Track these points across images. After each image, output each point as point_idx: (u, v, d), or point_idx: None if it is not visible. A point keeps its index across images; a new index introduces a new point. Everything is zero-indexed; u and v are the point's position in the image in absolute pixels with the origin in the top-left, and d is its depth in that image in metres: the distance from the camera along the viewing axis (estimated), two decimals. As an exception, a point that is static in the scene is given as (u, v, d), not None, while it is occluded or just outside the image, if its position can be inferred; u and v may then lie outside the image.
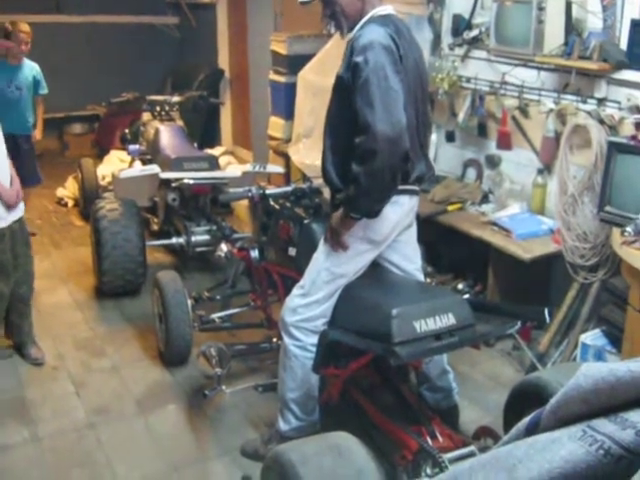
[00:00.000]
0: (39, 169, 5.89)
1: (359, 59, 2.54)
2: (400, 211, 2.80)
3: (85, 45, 8.51)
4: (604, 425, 1.01)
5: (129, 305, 4.59)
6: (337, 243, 2.74)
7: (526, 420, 1.22)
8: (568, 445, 1.01)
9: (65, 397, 3.59)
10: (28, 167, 5.74)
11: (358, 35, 2.63)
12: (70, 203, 6.59)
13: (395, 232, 2.86)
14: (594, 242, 3.55)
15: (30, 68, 5.58)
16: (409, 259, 3.05)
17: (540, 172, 4.15)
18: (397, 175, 2.59)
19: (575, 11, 3.80)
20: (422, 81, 2.83)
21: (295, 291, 2.91)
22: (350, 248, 2.76)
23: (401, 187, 2.73)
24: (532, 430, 1.18)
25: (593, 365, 1.08)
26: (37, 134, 5.78)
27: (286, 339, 2.89)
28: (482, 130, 4.59)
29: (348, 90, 2.61)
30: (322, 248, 2.84)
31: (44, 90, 5.72)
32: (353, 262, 2.80)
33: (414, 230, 3.06)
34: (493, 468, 1.10)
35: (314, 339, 2.84)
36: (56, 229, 6.06)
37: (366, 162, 2.50)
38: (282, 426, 2.96)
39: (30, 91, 5.58)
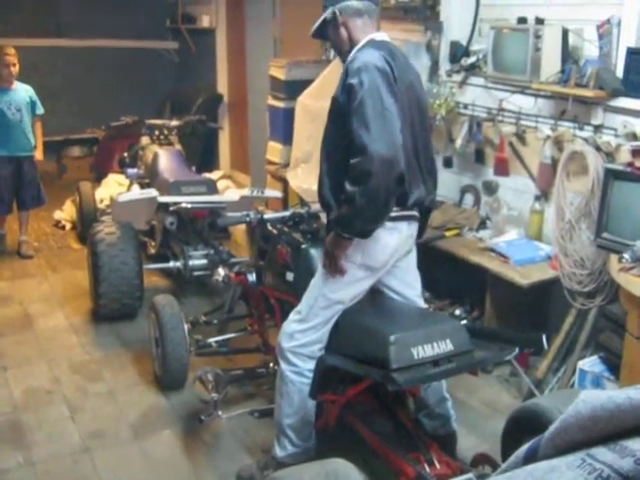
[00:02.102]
0: (42, 190, 5.96)
1: (354, 81, 2.57)
2: (398, 237, 2.80)
3: (85, 69, 8.56)
4: (603, 453, 1.00)
5: (125, 329, 4.57)
6: (334, 268, 2.74)
7: (524, 448, 1.22)
8: (567, 474, 1.00)
9: (60, 421, 3.56)
10: (33, 188, 5.86)
11: (353, 58, 2.68)
12: (68, 226, 6.59)
13: (393, 259, 2.86)
14: (591, 268, 3.56)
15: (25, 90, 5.72)
16: (409, 285, 3.05)
17: (537, 198, 4.16)
18: (391, 197, 2.61)
19: (571, 39, 3.83)
20: (420, 106, 2.85)
21: (292, 316, 2.90)
22: (348, 274, 2.75)
23: (399, 213, 2.75)
24: (530, 458, 1.17)
25: (592, 392, 1.08)
26: (38, 155, 5.88)
27: (283, 365, 2.88)
28: (479, 156, 4.61)
29: (343, 112, 2.64)
30: (320, 274, 2.83)
31: (40, 110, 5.84)
32: (351, 288, 2.80)
33: (414, 256, 3.06)
34: (492, 496, 1.10)
35: (311, 365, 2.83)
36: (53, 252, 6.05)
37: (361, 183, 2.51)
38: (278, 452, 2.94)
39: (29, 112, 5.70)
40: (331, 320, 2.83)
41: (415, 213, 2.87)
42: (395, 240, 2.79)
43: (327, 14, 2.83)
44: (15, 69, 5.57)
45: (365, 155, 2.49)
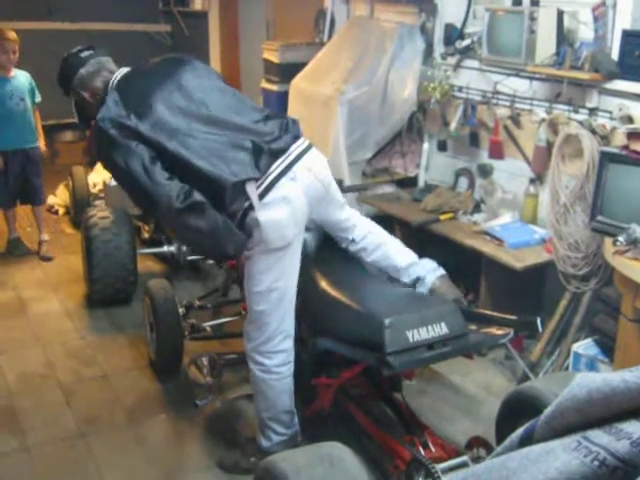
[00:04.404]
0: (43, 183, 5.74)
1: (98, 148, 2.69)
2: (286, 204, 2.63)
3: (77, 52, 8.49)
4: (599, 436, 1.00)
5: (120, 313, 4.56)
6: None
7: (520, 431, 1.22)
8: (562, 456, 1.00)
9: (55, 406, 3.56)
10: (40, 183, 5.59)
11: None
12: (61, 211, 6.56)
13: (301, 222, 2.72)
14: (586, 251, 3.56)
15: (25, 77, 5.41)
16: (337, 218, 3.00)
17: (532, 181, 4.16)
18: (206, 223, 2.51)
19: (567, 21, 3.81)
20: (211, 83, 2.84)
21: (246, 317, 2.90)
22: (259, 263, 2.68)
23: (267, 182, 2.61)
24: (526, 441, 1.17)
25: (588, 375, 1.08)
26: (42, 146, 5.59)
27: (250, 364, 2.87)
28: (474, 139, 4.60)
29: None
30: (244, 273, 2.80)
31: (38, 98, 5.55)
32: (272, 273, 2.70)
33: (332, 197, 2.92)
34: (487, 479, 1.10)
35: (277, 360, 2.81)
36: (47, 237, 6.02)
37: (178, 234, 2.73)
38: (264, 443, 2.95)
39: (31, 100, 5.42)
40: (278, 308, 2.75)
41: (287, 160, 2.67)
42: (284, 210, 2.62)
43: (73, 98, 2.95)
44: (15, 56, 5.24)
45: (156, 212, 2.59)
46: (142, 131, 2.57)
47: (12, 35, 5.25)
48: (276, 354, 2.80)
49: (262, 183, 2.59)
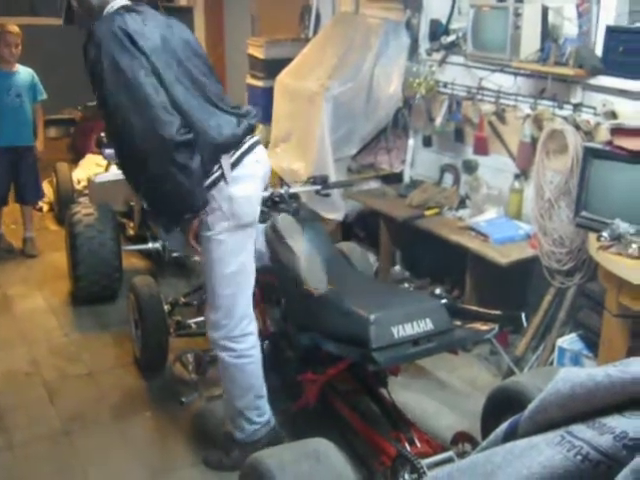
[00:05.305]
0: (41, 182, 5.71)
1: (93, 56, 2.52)
2: (253, 182, 2.77)
3: (60, 48, 8.42)
4: (582, 430, 1.01)
5: (105, 311, 4.54)
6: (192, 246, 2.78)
7: (504, 426, 1.22)
8: (546, 451, 1.01)
9: (40, 404, 3.54)
10: (32, 182, 5.49)
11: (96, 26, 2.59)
12: (45, 208, 6.52)
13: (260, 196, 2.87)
14: (570, 247, 3.57)
15: (27, 73, 5.33)
16: None
17: (517, 177, 4.17)
18: (180, 178, 2.52)
19: (551, 17, 3.82)
20: (192, 55, 2.79)
21: (208, 307, 2.90)
22: (229, 244, 2.73)
23: (239, 152, 2.70)
24: (510, 436, 1.18)
25: (572, 370, 1.08)
26: (39, 145, 5.46)
27: (220, 353, 2.88)
28: (459, 135, 4.61)
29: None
30: (205, 258, 2.80)
31: (42, 95, 5.44)
32: (241, 253, 2.77)
33: None
34: (472, 474, 1.10)
35: (246, 344, 2.85)
36: (31, 234, 5.97)
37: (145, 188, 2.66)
38: (238, 435, 2.96)
39: (29, 97, 5.31)
40: (244, 290, 2.82)
41: (252, 140, 2.79)
42: (252, 187, 2.76)
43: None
44: (17, 50, 5.19)
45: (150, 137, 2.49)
46: (149, 56, 2.52)
47: (14, 29, 5.19)
48: (246, 337, 2.84)
49: (233, 154, 2.69)
